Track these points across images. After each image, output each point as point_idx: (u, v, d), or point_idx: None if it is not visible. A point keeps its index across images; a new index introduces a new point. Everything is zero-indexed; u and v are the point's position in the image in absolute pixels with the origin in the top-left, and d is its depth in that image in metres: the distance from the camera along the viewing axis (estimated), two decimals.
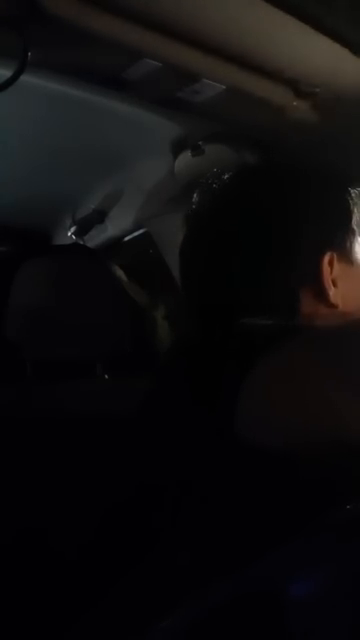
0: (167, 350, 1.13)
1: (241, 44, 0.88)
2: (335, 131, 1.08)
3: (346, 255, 0.68)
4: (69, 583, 0.70)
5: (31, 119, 1.13)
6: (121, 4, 0.77)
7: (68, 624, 0.55)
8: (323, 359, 0.52)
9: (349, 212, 0.70)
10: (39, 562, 0.81)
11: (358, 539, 0.47)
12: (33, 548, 0.83)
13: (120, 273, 1.14)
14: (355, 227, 0.69)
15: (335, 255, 0.67)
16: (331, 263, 0.66)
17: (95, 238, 1.57)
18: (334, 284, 0.66)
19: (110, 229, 1.54)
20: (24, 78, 0.79)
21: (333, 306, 0.66)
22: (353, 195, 0.71)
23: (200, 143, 1.16)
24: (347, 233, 0.69)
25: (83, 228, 1.56)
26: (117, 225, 1.53)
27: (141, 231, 1.51)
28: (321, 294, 0.66)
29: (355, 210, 0.70)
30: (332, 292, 0.66)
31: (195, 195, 0.74)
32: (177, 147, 1.21)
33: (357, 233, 0.70)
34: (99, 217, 1.53)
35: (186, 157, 1.20)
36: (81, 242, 1.58)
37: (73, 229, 1.57)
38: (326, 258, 0.66)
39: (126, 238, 1.57)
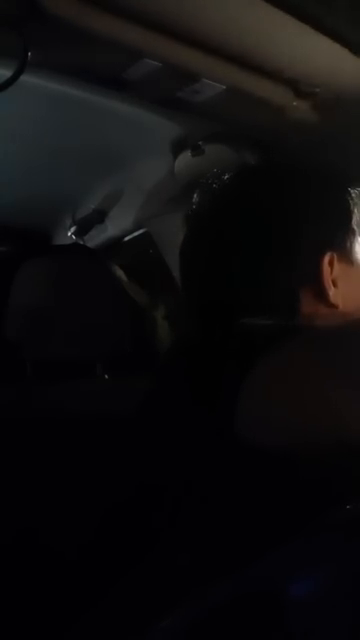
0: (167, 350, 1.12)
1: (241, 44, 0.88)
2: (335, 131, 1.08)
3: (346, 255, 0.68)
4: (69, 583, 0.70)
5: (31, 119, 1.13)
6: (121, 4, 0.77)
7: (68, 624, 0.55)
8: (323, 359, 0.52)
9: (349, 212, 0.70)
10: (39, 562, 0.81)
11: (358, 539, 0.47)
12: (33, 548, 0.83)
13: (120, 273, 1.14)
14: (355, 227, 0.69)
15: (335, 255, 0.67)
16: (331, 263, 0.66)
17: (95, 238, 1.57)
18: (334, 284, 0.66)
19: (110, 229, 1.54)
20: (24, 78, 0.79)
21: (333, 306, 0.66)
22: (353, 195, 0.71)
23: (200, 143, 1.16)
24: (347, 233, 0.69)
25: (83, 228, 1.56)
26: (117, 225, 1.53)
27: (141, 231, 1.51)
28: (321, 294, 0.66)
29: (355, 210, 0.70)
30: (332, 292, 0.66)
31: (195, 195, 0.74)
32: (177, 147, 1.21)
33: (357, 233, 0.70)
34: (99, 217, 1.53)
35: (186, 157, 1.20)
36: (81, 242, 1.58)
37: (73, 229, 1.57)
38: (326, 258, 0.66)
39: (126, 238, 1.57)
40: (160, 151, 1.23)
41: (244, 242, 0.67)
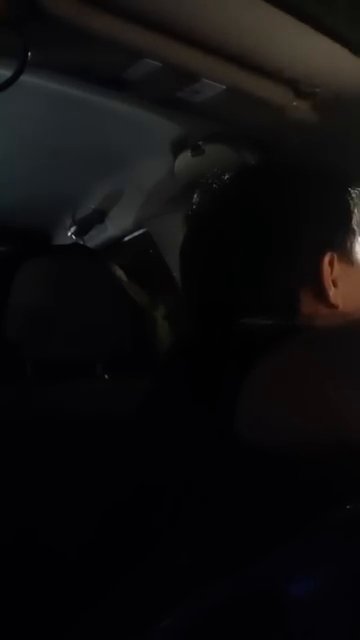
0: (167, 350, 1.13)
1: (241, 44, 0.88)
2: (335, 131, 1.08)
3: (346, 255, 0.68)
4: (69, 583, 0.70)
5: (31, 119, 1.13)
6: (121, 4, 0.77)
7: (68, 624, 0.55)
8: (323, 359, 0.52)
9: (349, 212, 0.70)
10: (39, 562, 0.81)
11: (358, 539, 0.47)
12: (33, 548, 0.83)
13: (120, 273, 1.14)
14: (355, 227, 0.69)
15: (335, 255, 0.67)
16: (331, 263, 0.66)
17: (95, 238, 1.57)
18: (334, 284, 0.66)
19: (110, 229, 1.54)
20: (24, 78, 0.79)
21: (333, 306, 0.66)
22: (353, 195, 0.71)
23: (200, 143, 1.16)
24: (347, 233, 0.69)
25: (83, 228, 1.56)
26: (117, 225, 1.53)
27: (141, 231, 1.51)
28: (321, 294, 0.66)
29: (355, 210, 0.70)
30: (332, 292, 0.66)
31: (195, 195, 0.74)
32: (177, 147, 1.21)
33: (357, 233, 0.70)
34: (99, 217, 1.53)
35: (186, 157, 1.20)
36: (81, 242, 1.58)
37: (73, 229, 1.57)
38: (326, 258, 0.66)
39: (126, 238, 1.57)
40: (160, 151, 1.23)
41: (244, 242, 0.67)
